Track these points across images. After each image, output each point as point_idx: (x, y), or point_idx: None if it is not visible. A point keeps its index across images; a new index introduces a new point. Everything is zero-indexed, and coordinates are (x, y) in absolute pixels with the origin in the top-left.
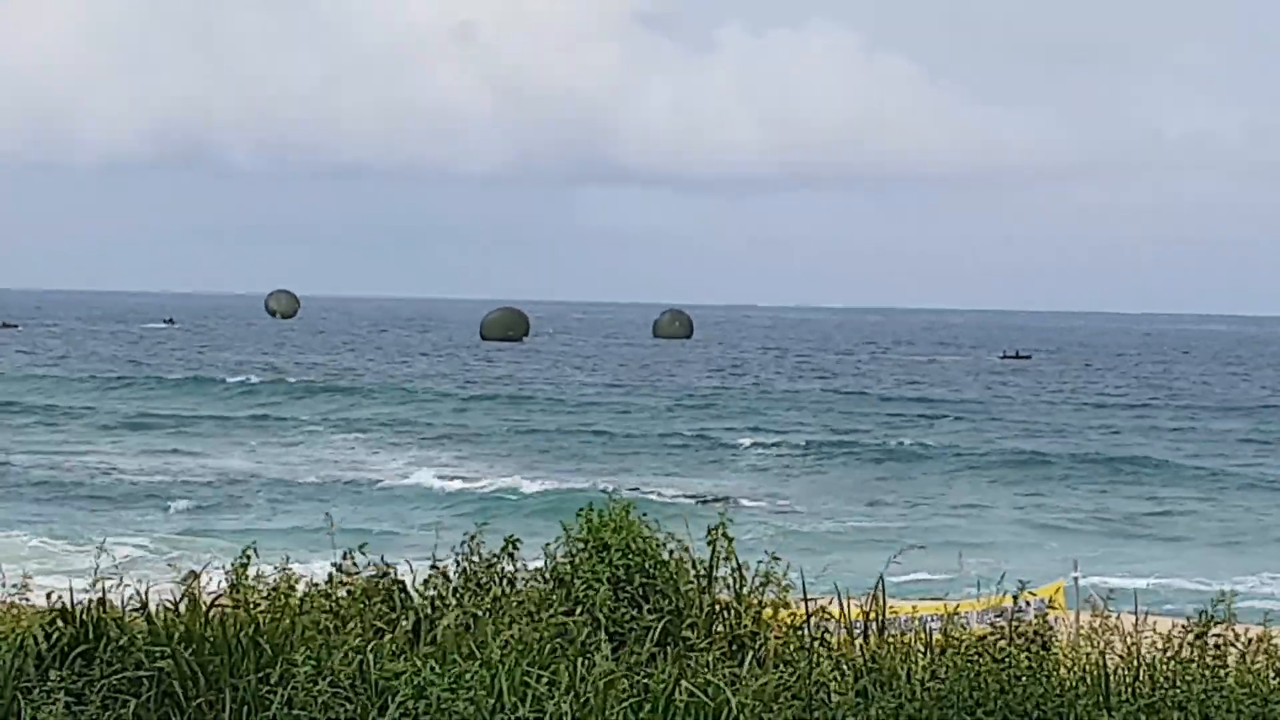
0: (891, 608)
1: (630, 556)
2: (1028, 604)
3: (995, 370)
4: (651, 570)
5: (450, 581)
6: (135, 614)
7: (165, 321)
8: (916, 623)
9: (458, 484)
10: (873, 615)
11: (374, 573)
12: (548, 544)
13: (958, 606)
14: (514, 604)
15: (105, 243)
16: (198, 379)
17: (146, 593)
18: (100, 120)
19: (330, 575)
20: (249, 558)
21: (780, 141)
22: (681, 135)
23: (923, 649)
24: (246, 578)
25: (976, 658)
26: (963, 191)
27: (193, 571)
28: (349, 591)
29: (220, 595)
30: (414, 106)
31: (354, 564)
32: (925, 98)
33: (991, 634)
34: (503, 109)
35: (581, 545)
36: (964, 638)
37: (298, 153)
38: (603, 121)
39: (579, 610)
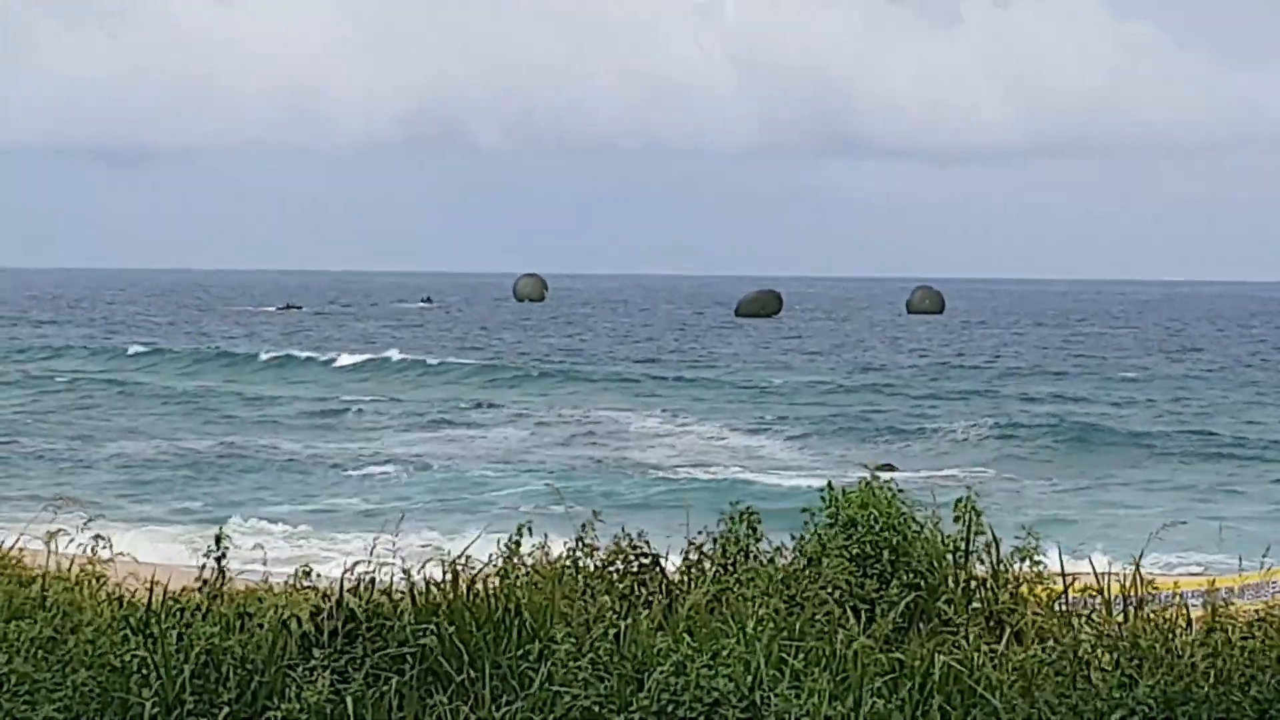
0: (1152, 584)
1: (878, 533)
2: None
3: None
4: (900, 545)
5: (702, 558)
6: (399, 590)
7: (423, 301)
8: (1178, 599)
9: (703, 464)
10: (1132, 591)
11: (621, 546)
12: (806, 519)
13: (1220, 582)
14: (765, 580)
15: (360, 223)
16: (480, 364)
17: (410, 571)
18: (354, 103)
19: (575, 547)
20: (522, 534)
21: (1027, 113)
22: (927, 107)
23: (1185, 625)
24: (520, 554)
25: (1248, 635)
26: (1216, 158)
27: (440, 552)
28: (600, 565)
29: (478, 572)
30: (660, 82)
31: (594, 536)
32: (1175, 64)
33: (1265, 607)
34: (747, 83)
35: (830, 522)
36: (1234, 613)
37: (546, 130)
38: (847, 95)
39: (829, 587)
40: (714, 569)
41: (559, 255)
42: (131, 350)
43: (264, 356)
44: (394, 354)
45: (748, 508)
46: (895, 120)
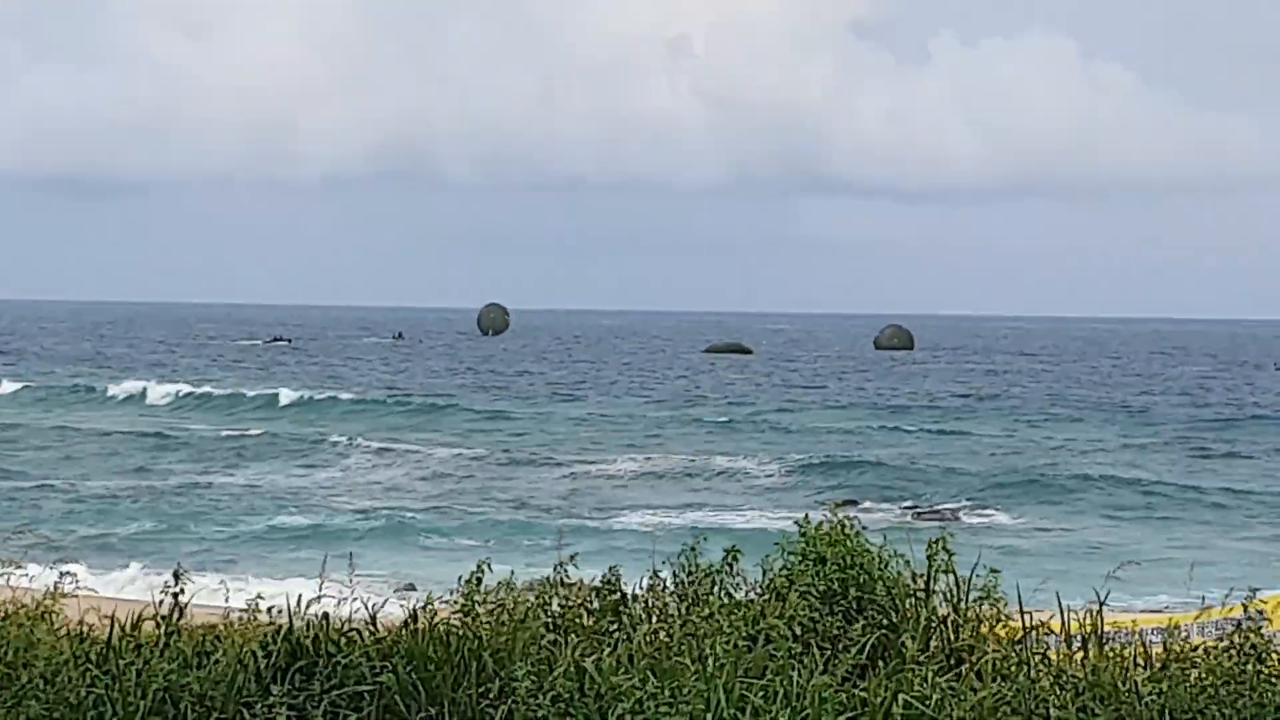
0: (1111, 621)
1: (846, 570)
2: (1250, 616)
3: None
4: (866, 583)
5: (668, 592)
6: (357, 628)
7: (394, 337)
8: (1136, 636)
9: (672, 501)
10: (1091, 629)
11: (594, 583)
12: (767, 555)
13: (1177, 620)
14: (731, 616)
15: (329, 258)
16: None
17: (373, 607)
18: (322, 136)
19: (548, 584)
20: (483, 572)
21: (998, 151)
22: (898, 145)
23: (1142, 663)
24: (479, 592)
25: (1193, 669)
26: (1186, 198)
27: (411, 585)
28: (567, 602)
29: (438, 609)
30: (630, 118)
31: (567, 574)
32: (1144, 104)
33: (1212, 645)
34: (718, 120)
35: (799, 558)
36: (1184, 650)
37: (515, 165)
38: (818, 132)
39: (794, 623)
40: (683, 603)
41: (528, 290)
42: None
43: (252, 394)
44: (351, 393)
45: (733, 546)
46: (865, 158)
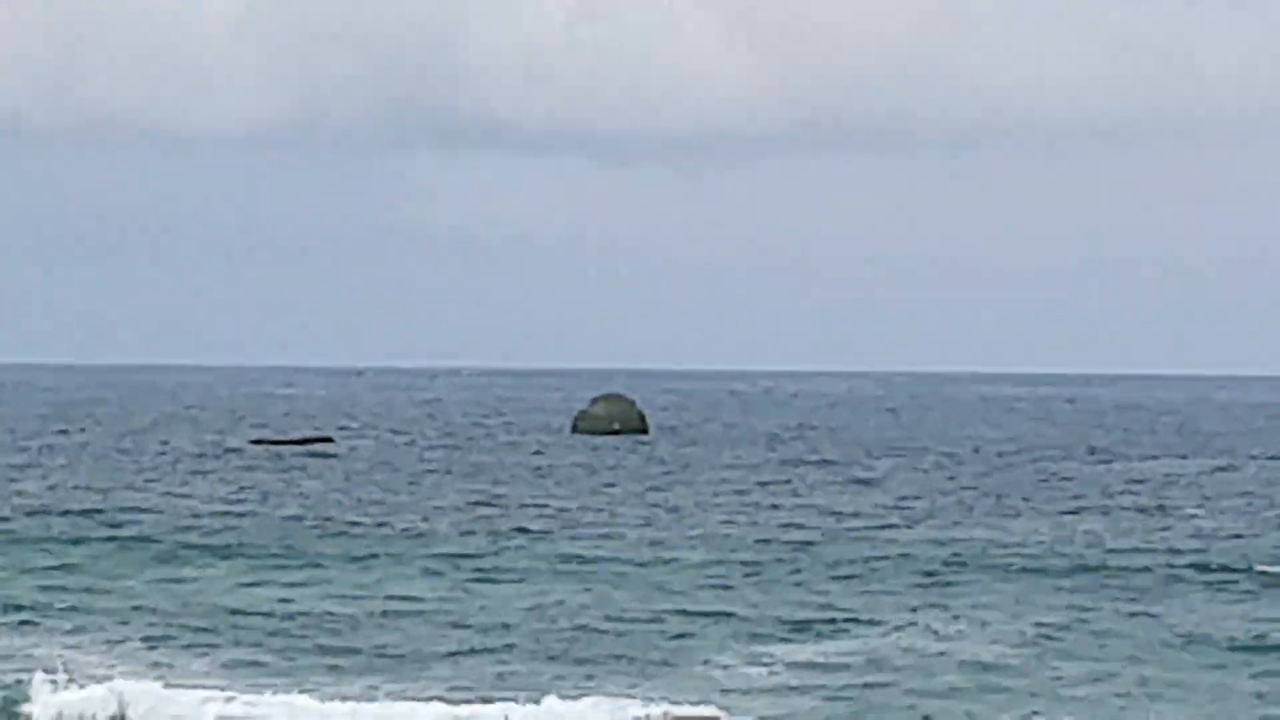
0: None
1: None
2: None
3: None
4: None
5: None
6: None
7: None
8: None
9: None
10: None
11: None
12: None
13: None
14: None
15: None
16: None
17: None
18: None
19: None
20: None
21: (782, 81)
22: (597, 67)
23: None
24: None
25: None
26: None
27: None
28: None
29: None
30: (96, 20)
31: None
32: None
33: None
34: (267, 35)
35: None
36: None
37: None
38: (450, 45)
39: None
40: None
41: None
42: None
43: None
44: None
45: None
46: (543, 88)
